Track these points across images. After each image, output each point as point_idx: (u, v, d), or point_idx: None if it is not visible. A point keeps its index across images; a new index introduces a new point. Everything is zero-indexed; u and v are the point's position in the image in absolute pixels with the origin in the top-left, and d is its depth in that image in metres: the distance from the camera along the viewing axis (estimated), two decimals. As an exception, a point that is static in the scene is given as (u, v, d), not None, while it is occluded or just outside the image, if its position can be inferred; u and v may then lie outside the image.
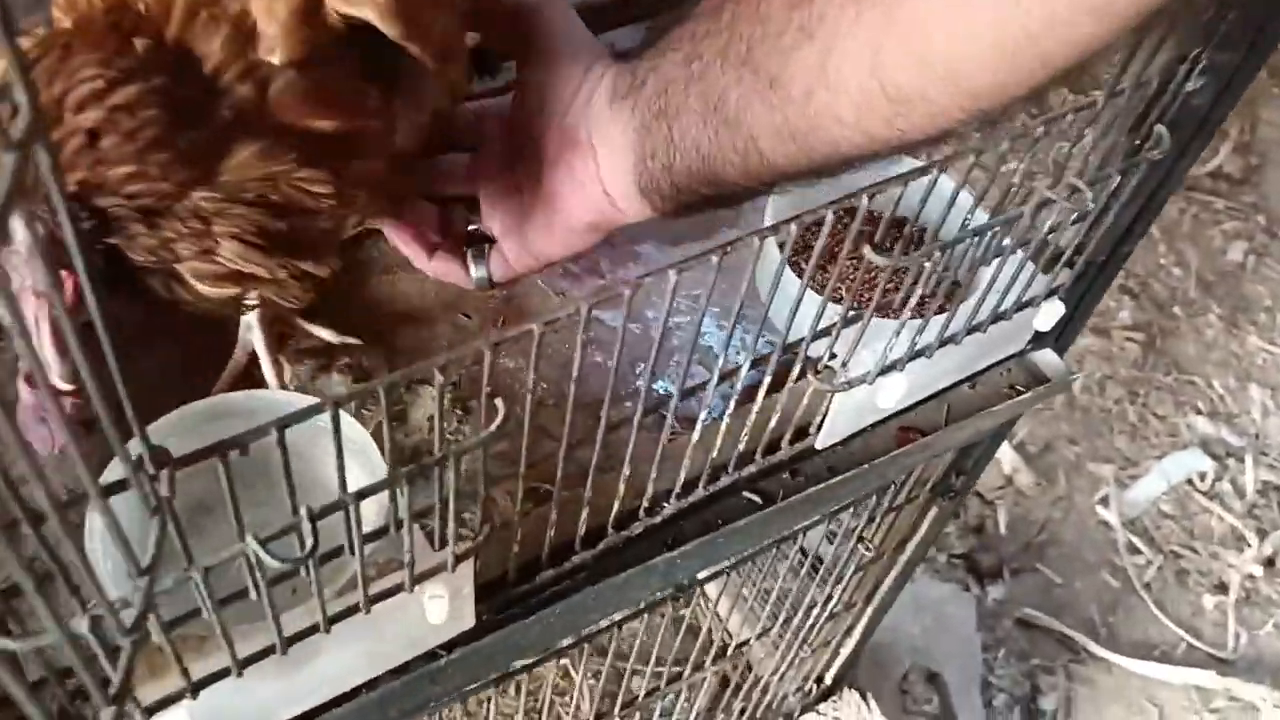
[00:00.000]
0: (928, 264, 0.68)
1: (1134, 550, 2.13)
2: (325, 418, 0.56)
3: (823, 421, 0.84)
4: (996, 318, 0.80)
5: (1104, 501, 2.17)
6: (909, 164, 1.00)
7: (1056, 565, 2.11)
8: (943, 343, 0.78)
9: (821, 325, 0.71)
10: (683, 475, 0.78)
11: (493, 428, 0.54)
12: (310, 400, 0.74)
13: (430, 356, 1.03)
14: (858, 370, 0.77)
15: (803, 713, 1.59)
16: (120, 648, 0.41)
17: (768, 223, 0.92)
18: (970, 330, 0.79)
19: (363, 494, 0.51)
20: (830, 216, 0.61)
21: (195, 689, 0.57)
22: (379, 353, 0.98)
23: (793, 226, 0.59)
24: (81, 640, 0.39)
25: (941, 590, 2.01)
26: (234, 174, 0.59)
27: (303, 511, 0.49)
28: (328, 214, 0.65)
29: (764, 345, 1.01)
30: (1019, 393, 0.97)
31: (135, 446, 0.43)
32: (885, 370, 0.76)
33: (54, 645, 0.37)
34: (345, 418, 0.77)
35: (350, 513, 0.51)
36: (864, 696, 1.60)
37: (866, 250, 0.65)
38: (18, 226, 0.47)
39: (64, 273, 0.49)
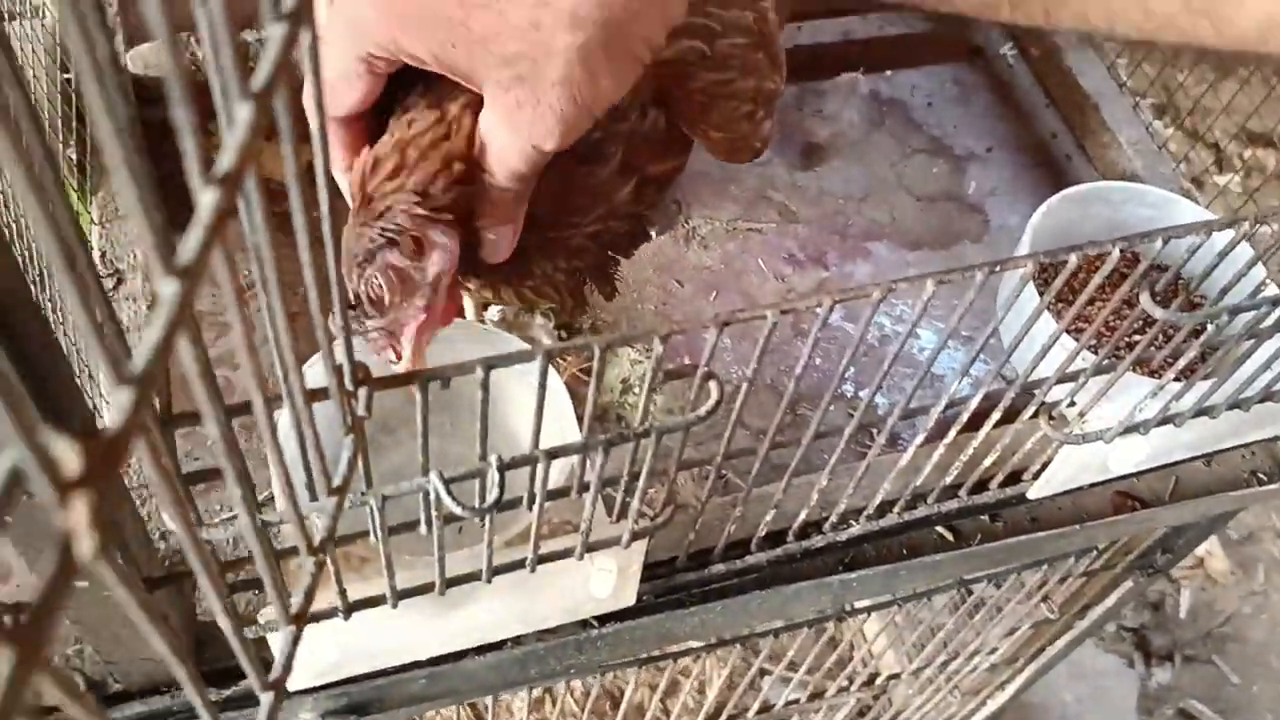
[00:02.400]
0: (1211, 326, 0.60)
1: (1328, 667, 1.95)
2: (529, 365, 0.53)
3: (1040, 470, 0.77)
4: (1266, 397, 0.71)
5: (1305, 608, 1.99)
6: (1198, 212, 0.91)
7: (1236, 662, 1.95)
8: (1198, 413, 0.70)
9: (1063, 369, 0.64)
10: (879, 497, 0.72)
11: (703, 410, 0.50)
12: (514, 341, 0.72)
13: (636, 318, 1.01)
14: (1096, 424, 0.69)
15: (935, 757, 1.51)
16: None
17: (1025, 249, 0.85)
18: (1232, 405, 0.70)
19: (555, 454, 0.47)
20: (1116, 254, 0.54)
21: (349, 610, 0.55)
22: (586, 306, 0.95)
23: (1073, 257, 0.53)
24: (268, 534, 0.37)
25: (1104, 662, 1.88)
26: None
27: (492, 460, 0.46)
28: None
29: (982, 368, 0.94)
30: (1260, 481, 0.88)
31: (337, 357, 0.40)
32: (1128, 430, 0.68)
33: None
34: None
35: (539, 470, 0.48)
36: (1003, 755, 1.50)
37: (1144, 300, 0.57)
38: None
39: None
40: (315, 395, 0.40)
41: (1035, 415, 0.69)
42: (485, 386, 0.44)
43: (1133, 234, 0.54)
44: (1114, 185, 0.89)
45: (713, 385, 0.50)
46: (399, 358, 0.60)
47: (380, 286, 0.57)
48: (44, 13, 0.86)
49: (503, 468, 0.45)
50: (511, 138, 0.53)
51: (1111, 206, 0.88)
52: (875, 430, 0.66)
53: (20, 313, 0.40)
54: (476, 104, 0.55)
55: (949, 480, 0.74)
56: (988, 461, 0.73)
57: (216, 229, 0.23)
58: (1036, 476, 0.78)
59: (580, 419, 0.81)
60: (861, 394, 0.93)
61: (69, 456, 0.19)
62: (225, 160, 0.24)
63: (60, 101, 0.81)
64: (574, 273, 0.70)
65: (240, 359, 0.29)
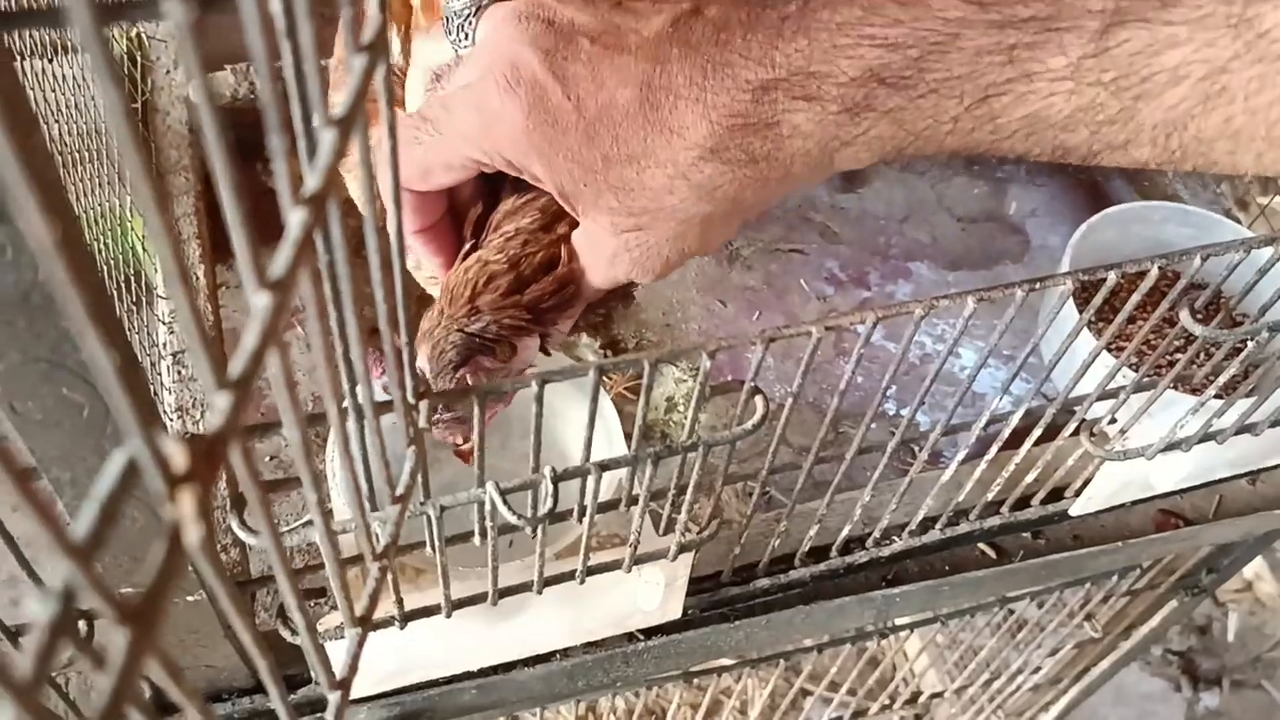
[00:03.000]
0: (1251, 343, 0.61)
1: (1380, 693, 1.92)
2: (578, 385, 0.54)
3: (1082, 487, 0.77)
4: (1310, 415, 0.71)
5: (1356, 632, 1.96)
6: (1239, 232, 0.91)
7: (1286, 689, 1.93)
8: (1240, 430, 0.70)
9: (1103, 385, 0.65)
10: (922, 513, 0.73)
11: (749, 425, 0.51)
12: (563, 360, 0.74)
13: (680, 337, 1.03)
14: (1137, 441, 0.70)
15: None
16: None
17: (1067, 259, 0.85)
18: (1275, 423, 0.71)
19: (606, 466, 0.49)
20: (1155, 272, 0.55)
21: (405, 619, 0.57)
22: (630, 320, 0.97)
23: (1112, 275, 0.54)
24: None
25: (1150, 685, 1.87)
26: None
27: (546, 472, 0.47)
28: None
29: (1022, 386, 0.95)
30: (1306, 500, 0.87)
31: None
32: (1170, 447, 0.68)
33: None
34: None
35: (590, 483, 0.49)
36: (1047, 777, 1.49)
37: (1184, 317, 0.58)
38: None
39: None
40: (381, 408, 0.42)
41: (1076, 432, 0.70)
42: (539, 400, 0.46)
43: (1171, 251, 0.55)
44: (1154, 205, 0.90)
45: (758, 400, 0.52)
46: (465, 441, 0.60)
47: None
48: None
49: (556, 479, 0.47)
50: (607, 268, 0.55)
51: (1152, 226, 0.89)
52: (917, 447, 0.67)
53: (111, 324, 0.42)
54: (574, 222, 0.56)
55: (991, 497, 0.75)
56: (1029, 478, 0.74)
57: (305, 246, 0.25)
58: (1079, 493, 0.78)
59: (628, 436, 0.83)
60: (903, 412, 0.94)
61: (177, 454, 0.21)
62: (312, 182, 0.26)
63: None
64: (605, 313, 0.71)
65: (319, 370, 0.31)
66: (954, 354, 0.99)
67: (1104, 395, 0.66)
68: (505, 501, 0.47)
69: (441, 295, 0.58)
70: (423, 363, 0.58)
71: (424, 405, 0.44)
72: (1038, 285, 0.52)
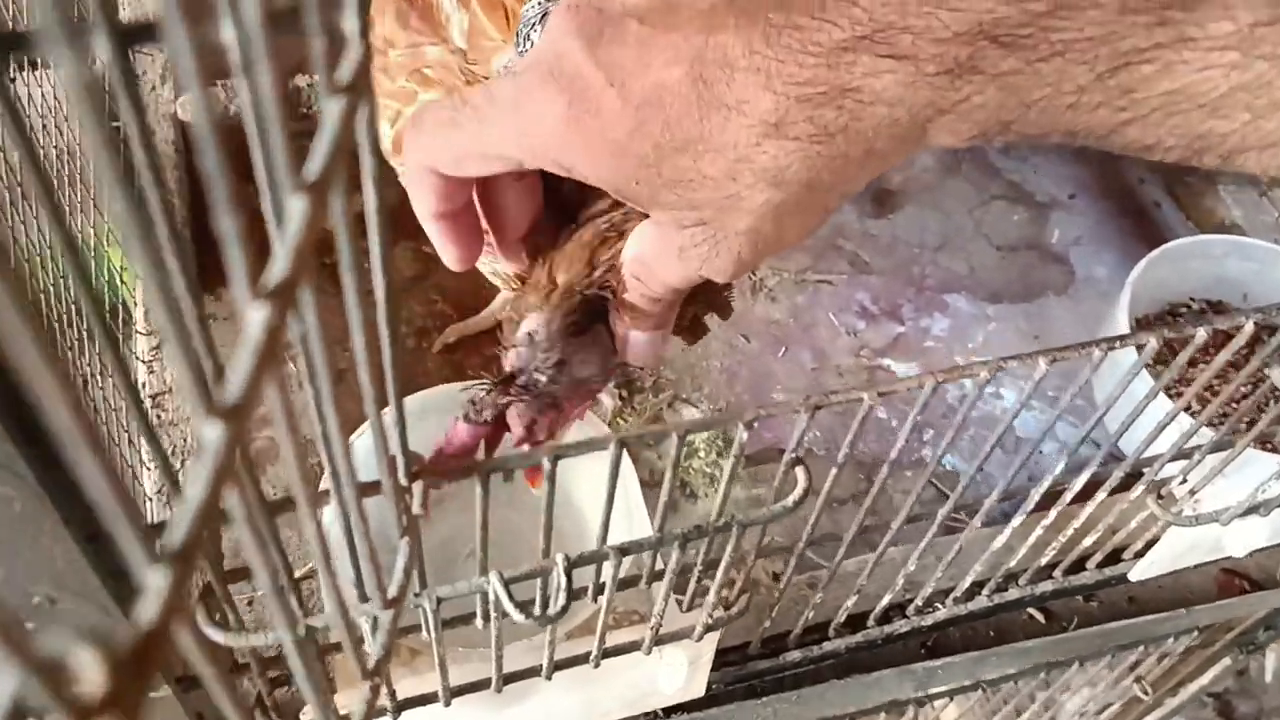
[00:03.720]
0: (1348, 403, 0.55)
1: None
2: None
3: (1144, 549, 0.72)
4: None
5: (1402, 677, 1.89)
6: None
7: (1327, 733, 1.86)
8: (1323, 493, 0.64)
9: (1179, 446, 0.59)
10: (969, 579, 0.67)
11: (789, 501, 0.46)
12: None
13: (701, 375, 0.97)
14: (1210, 504, 0.64)
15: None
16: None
17: (1124, 310, 0.80)
18: (1362, 484, 0.65)
19: (627, 550, 0.43)
20: (1250, 327, 0.49)
21: (398, 709, 0.51)
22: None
23: (1201, 332, 0.48)
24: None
25: (1186, 729, 1.80)
26: None
27: (559, 560, 0.42)
28: None
29: (1070, 429, 0.89)
30: (1381, 559, 0.82)
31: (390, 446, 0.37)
32: (1248, 511, 0.63)
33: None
34: (599, 425, 0.71)
35: (608, 568, 0.44)
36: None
37: (1277, 376, 0.52)
38: None
39: None
40: (366, 489, 0.37)
41: (1130, 483, 0.64)
42: (551, 480, 0.40)
43: (1269, 305, 0.49)
44: (1214, 239, 0.84)
45: (800, 473, 0.46)
46: (549, 437, 0.57)
47: (589, 349, 0.56)
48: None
49: (569, 568, 0.41)
50: (679, 267, 0.49)
51: (1212, 262, 0.83)
52: (965, 509, 0.62)
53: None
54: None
55: (1044, 561, 0.69)
56: (1087, 541, 0.68)
57: (268, 353, 0.20)
58: (1139, 554, 0.72)
59: (643, 483, 0.77)
60: (946, 462, 0.88)
61: (89, 673, 0.15)
62: (277, 269, 0.21)
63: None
64: (695, 317, 0.68)
65: (288, 471, 0.26)
66: (997, 395, 0.93)
67: (1177, 455, 0.60)
68: (510, 595, 0.41)
69: (557, 265, 0.55)
70: (532, 326, 0.55)
71: (418, 487, 0.39)
72: (1119, 344, 0.46)
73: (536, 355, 0.56)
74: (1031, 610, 0.76)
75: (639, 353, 0.55)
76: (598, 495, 0.44)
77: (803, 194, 0.44)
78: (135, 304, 0.78)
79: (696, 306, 0.68)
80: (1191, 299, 0.86)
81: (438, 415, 0.70)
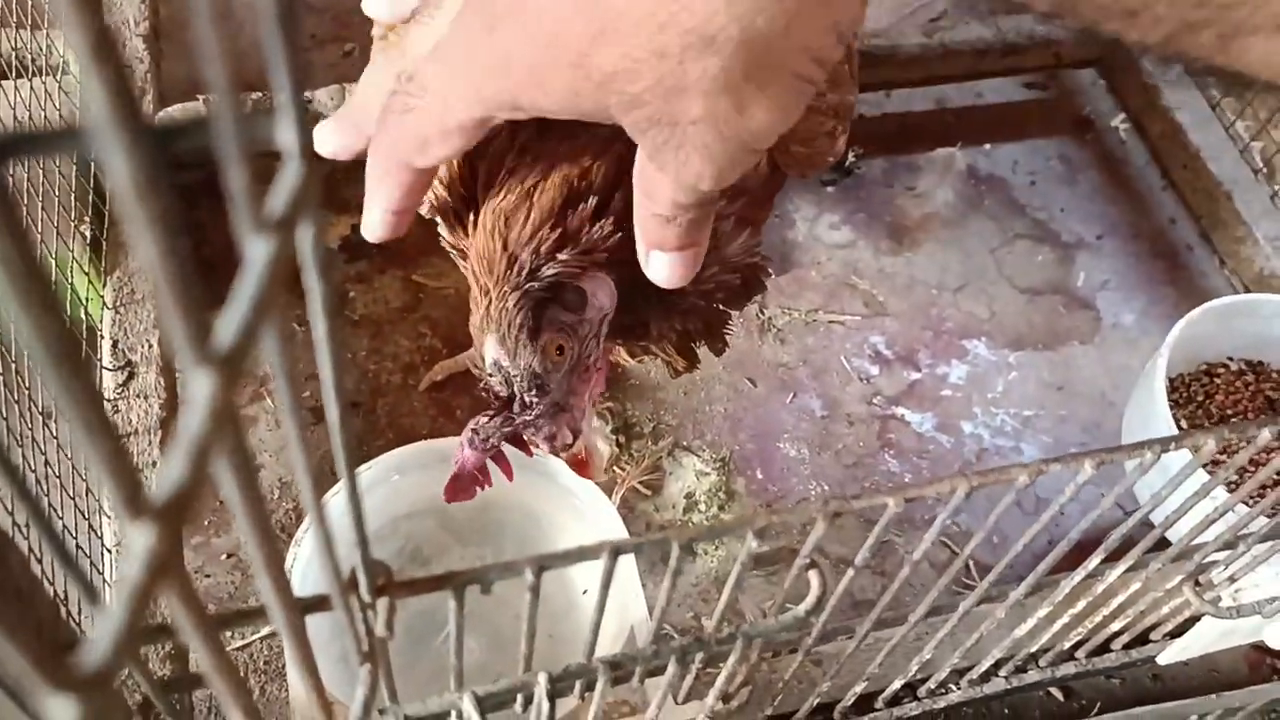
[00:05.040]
0: None
1: None
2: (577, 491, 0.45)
3: (1173, 630, 0.68)
4: None
5: None
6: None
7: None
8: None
9: (1225, 537, 0.55)
10: (988, 662, 0.63)
11: (802, 609, 0.42)
12: (566, 473, 0.65)
13: (704, 421, 0.93)
14: (1251, 593, 0.60)
15: None
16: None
17: (1163, 360, 0.76)
18: None
19: (618, 667, 0.39)
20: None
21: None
22: (646, 399, 0.88)
23: (1265, 433, 0.44)
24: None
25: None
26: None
27: (541, 680, 0.38)
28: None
29: (1093, 490, 0.85)
30: None
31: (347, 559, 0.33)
32: (1293, 605, 0.59)
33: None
34: (595, 499, 0.67)
35: (600, 685, 0.40)
36: None
37: (1338, 469, 0.48)
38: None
39: None
40: (315, 605, 0.33)
41: (1179, 579, 0.60)
42: (535, 591, 0.36)
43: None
44: (1263, 299, 0.80)
45: (814, 577, 0.42)
46: (575, 437, 0.56)
47: (560, 348, 0.55)
48: (63, 70, 0.80)
49: (553, 691, 0.37)
50: (662, 178, 0.45)
51: (1259, 321, 0.79)
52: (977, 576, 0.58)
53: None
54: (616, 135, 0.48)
55: (1068, 645, 0.65)
56: (1116, 626, 0.64)
57: (217, 426, 0.16)
58: (1170, 634, 0.68)
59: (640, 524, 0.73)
60: (960, 521, 0.84)
61: None
62: (227, 331, 0.17)
63: (75, 172, 0.75)
64: (685, 334, 0.65)
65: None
66: (1017, 450, 0.89)
67: (1222, 546, 0.56)
68: (484, 717, 0.37)
69: (474, 274, 0.54)
70: (491, 354, 0.54)
71: (383, 604, 0.35)
72: (1173, 447, 0.42)
73: (512, 381, 0.54)
74: (1053, 691, 0.72)
75: (664, 274, 0.51)
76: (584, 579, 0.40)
77: (750, 54, 0.38)
78: (102, 336, 0.74)
79: (689, 323, 0.65)
80: (1230, 358, 0.81)
81: (419, 473, 0.66)
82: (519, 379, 0.54)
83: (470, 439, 0.56)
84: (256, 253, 0.18)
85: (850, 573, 0.45)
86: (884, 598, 0.49)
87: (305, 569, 0.60)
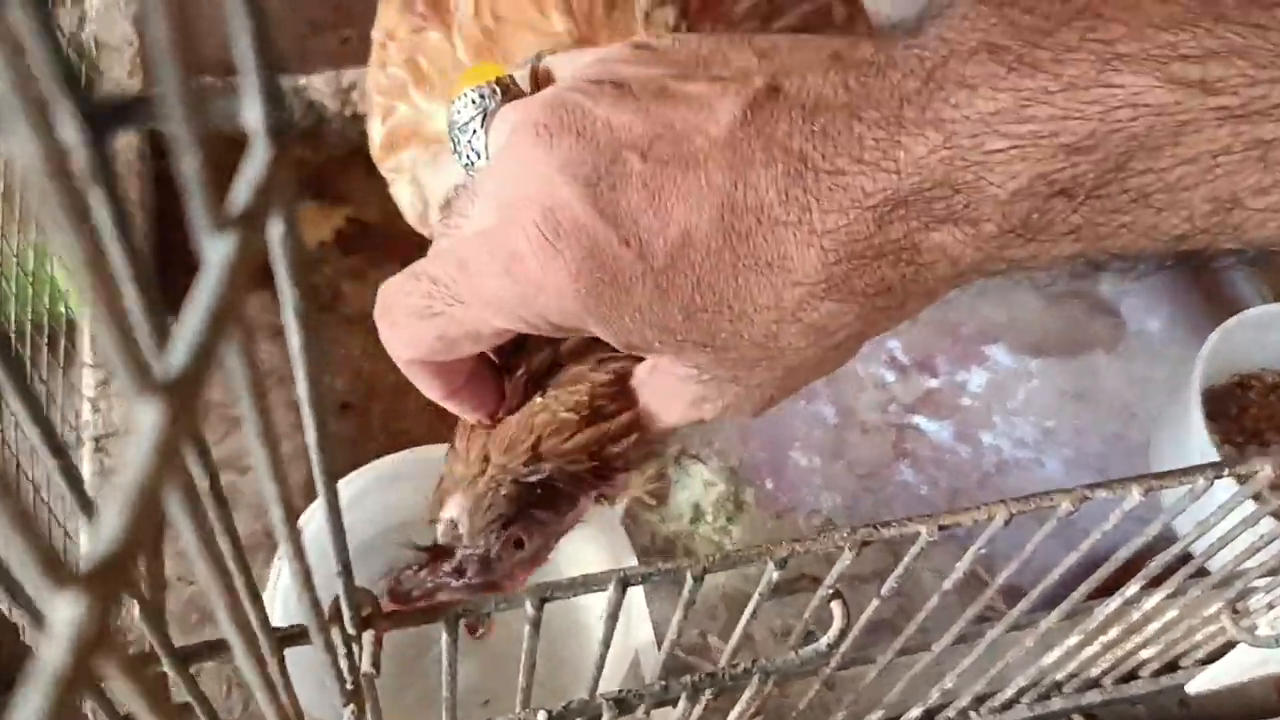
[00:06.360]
0: None
1: None
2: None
3: (1204, 658, 0.65)
4: None
5: None
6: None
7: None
8: None
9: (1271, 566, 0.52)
10: (1011, 690, 0.60)
11: (823, 643, 0.39)
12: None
13: (710, 432, 0.90)
14: (1292, 623, 0.57)
15: None
16: None
17: (1198, 373, 0.73)
18: None
19: (625, 706, 0.37)
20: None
21: None
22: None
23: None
24: None
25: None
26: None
27: (540, 719, 0.35)
28: None
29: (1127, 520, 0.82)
30: None
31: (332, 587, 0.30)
32: (1338, 636, 0.56)
33: None
34: (598, 510, 0.64)
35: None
36: None
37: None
38: None
39: None
40: (290, 639, 0.31)
41: (1216, 607, 0.57)
42: (536, 625, 0.34)
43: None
44: (1298, 308, 0.78)
45: (837, 608, 0.40)
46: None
47: (520, 543, 0.51)
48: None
49: (554, 731, 0.35)
50: (688, 413, 0.44)
51: (1295, 332, 0.77)
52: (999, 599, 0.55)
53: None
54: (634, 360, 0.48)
55: (1095, 674, 0.63)
56: (1146, 654, 0.62)
57: (163, 466, 0.14)
58: (1200, 661, 0.66)
59: (641, 551, 0.70)
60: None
61: None
62: (175, 358, 0.14)
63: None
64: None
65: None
66: (1039, 463, 0.86)
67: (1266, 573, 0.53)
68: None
69: (494, 441, 0.50)
70: (454, 513, 0.50)
71: (368, 638, 0.32)
72: (1226, 473, 0.40)
73: (461, 544, 0.50)
74: (1075, 716, 0.69)
75: (625, 485, 0.51)
76: (584, 564, 0.38)
77: (854, 345, 0.40)
78: (81, 331, 0.71)
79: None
80: (1264, 369, 0.79)
81: (411, 481, 0.63)
82: (468, 553, 0.51)
83: (391, 590, 0.51)
84: (215, 254, 0.15)
85: (875, 602, 0.42)
86: (909, 627, 0.46)
87: (287, 593, 0.58)
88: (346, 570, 0.30)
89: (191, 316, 0.14)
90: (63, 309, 0.69)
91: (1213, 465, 0.40)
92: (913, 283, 0.37)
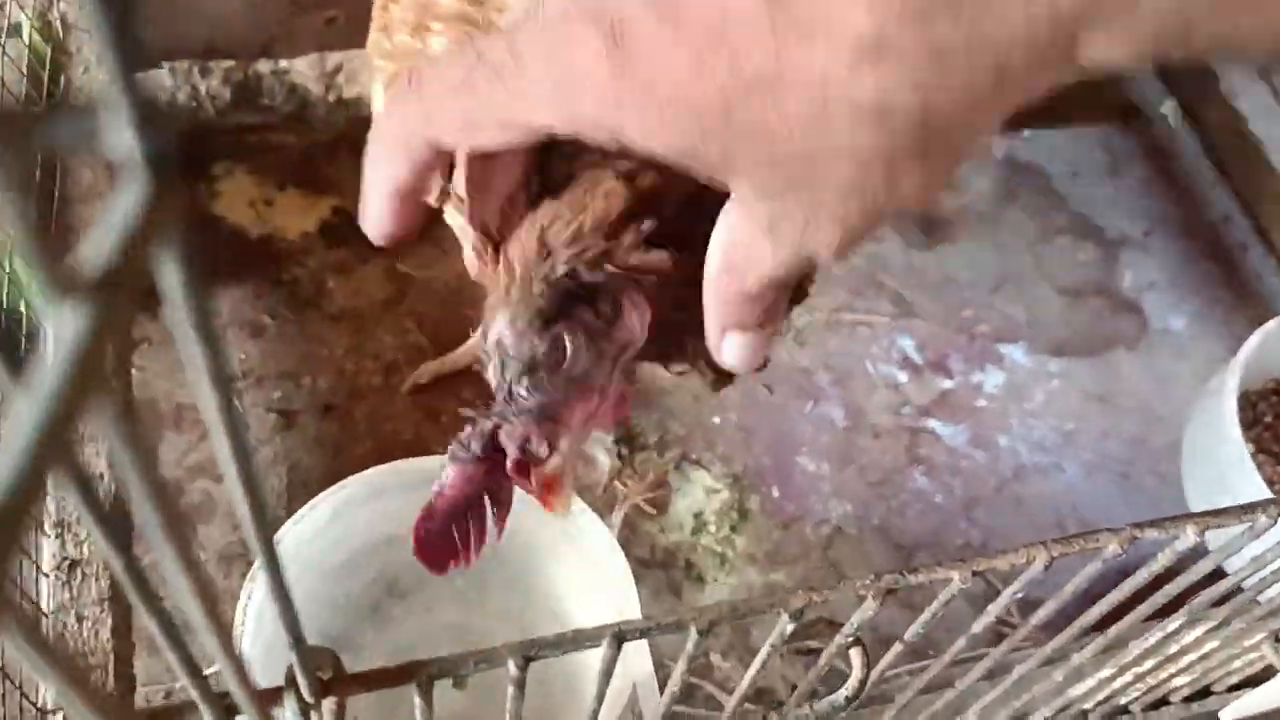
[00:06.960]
0: None
1: None
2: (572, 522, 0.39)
3: (1238, 683, 0.62)
4: None
5: None
6: None
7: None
8: None
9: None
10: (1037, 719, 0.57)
11: (842, 696, 0.36)
12: (587, 520, 0.59)
13: (714, 432, 0.87)
14: (1339, 652, 0.54)
15: None
16: None
17: (1234, 379, 0.69)
18: None
19: (622, 770, 0.33)
20: None
21: None
22: (653, 407, 0.81)
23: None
24: None
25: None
26: None
27: (526, 791, 0.31)
28: None
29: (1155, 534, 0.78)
30: None
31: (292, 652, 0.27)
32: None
33: None
34: (591, 523, 0.60)
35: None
36: None
37: None
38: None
39: None
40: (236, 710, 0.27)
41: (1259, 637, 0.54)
42: (521, 686, 0.30)
43: None
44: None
45: (856, 657, 0.36)
46: (551, 451, 0.50)
47: (566, 347, 0.49)
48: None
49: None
50: (773, 250, 0.40)
51: (1334, 336, 0.73)
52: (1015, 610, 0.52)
53: None
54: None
55: (1124, 701, 0.59)
56: (1179, 681, 0.58)
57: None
58: (1233, 687, 0.63)
59: (642, 561, 0.67)
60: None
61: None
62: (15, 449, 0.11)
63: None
64: None
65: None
66: (1059, 469, 0.82)
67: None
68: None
69: (512, 250, 0.49)
70: (497, 332, 0.49)
71: (328, 706, 0.29)
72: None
73: (508, 365, 0.49)
74: (1100, 744, 0.66)
75: (741, 356, 0.45)
76: (577, 582, 0.34)
77: (918, 133, 0.35)
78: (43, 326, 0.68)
79: None
80: None
81: (401, 494, 0.59)
82: (516, 365, 0.49)
83: (452, 451, 0.50)
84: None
85: (897, 646, 0.39)
86: (933, 667, 0.43)
87: (261, 610, 0.54)
88: (297, 640, 0.26)
89: (14, 432, 0.11)
90: (21, 307, 0.65)
91: (1274, 502, 0.36)
92: (974, 41, 0.32)
